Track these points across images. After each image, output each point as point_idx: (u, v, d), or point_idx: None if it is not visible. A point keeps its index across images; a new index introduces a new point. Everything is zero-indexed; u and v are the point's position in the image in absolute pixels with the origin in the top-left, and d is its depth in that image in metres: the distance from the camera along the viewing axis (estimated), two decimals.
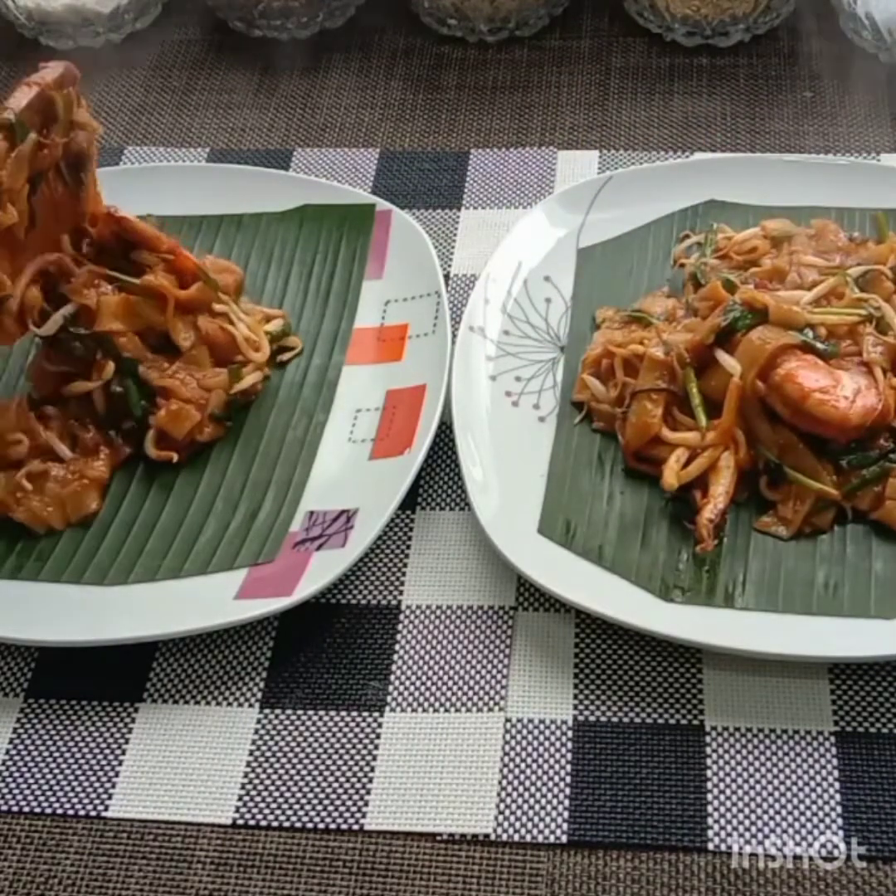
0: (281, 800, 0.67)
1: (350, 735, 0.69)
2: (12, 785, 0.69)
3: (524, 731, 0.68)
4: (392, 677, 0.71)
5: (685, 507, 0.73)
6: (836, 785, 0.65)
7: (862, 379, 0.73)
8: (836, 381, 0.72)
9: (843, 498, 0.72)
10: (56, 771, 0.69)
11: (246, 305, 0.86)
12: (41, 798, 0.68)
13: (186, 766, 0.68)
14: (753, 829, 0.64)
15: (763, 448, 0.73)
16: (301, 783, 0.67)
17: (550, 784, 0.66)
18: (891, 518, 0.72)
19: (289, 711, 0.70)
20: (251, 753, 0.69)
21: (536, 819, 0.65)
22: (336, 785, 0.67)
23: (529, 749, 0.68)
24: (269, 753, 0.69)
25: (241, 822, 0.67)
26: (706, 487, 0.72)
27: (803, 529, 0.72)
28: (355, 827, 0.66)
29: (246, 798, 0.67)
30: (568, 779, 0.66)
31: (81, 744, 0.70)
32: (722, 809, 0.65)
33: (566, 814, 0.65)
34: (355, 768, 0.68)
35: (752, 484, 0.74)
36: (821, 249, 0.82)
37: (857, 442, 0.73)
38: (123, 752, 0.69)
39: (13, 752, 0.70)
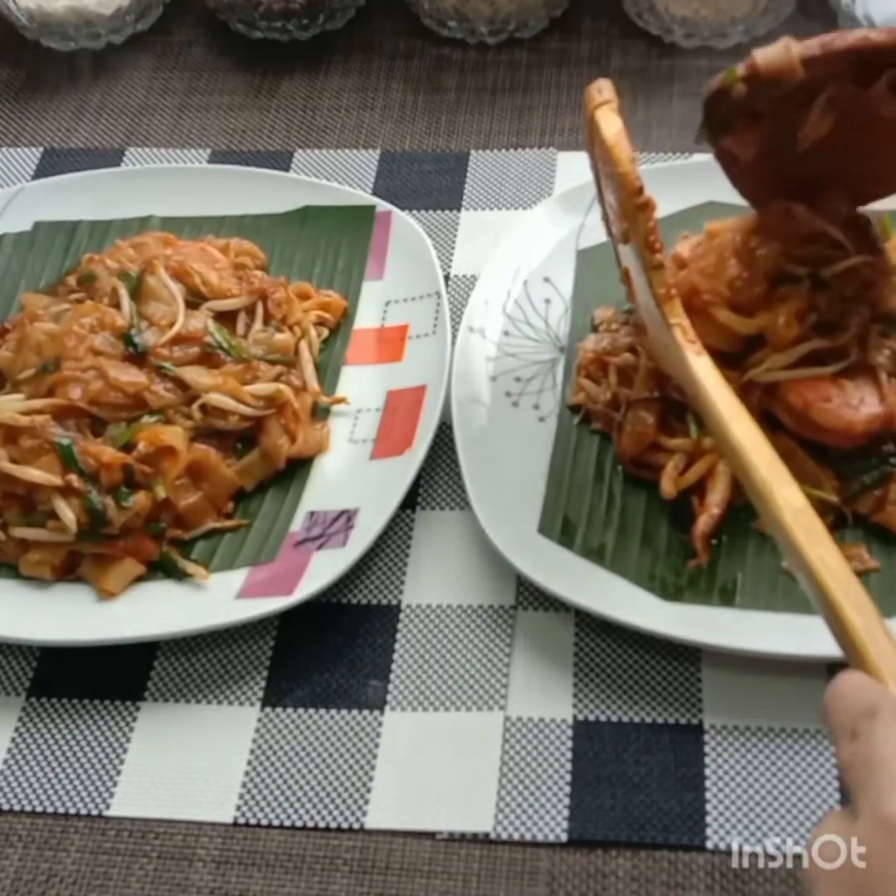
0: (282, 798, 0.67)
1: (350, 734, 0.69)
2: (14, 784, 0.69)
3: (524, 730, 0.68)
4: (392, 677, 0.71)
5: (685, 507, 0.73)
6: (836, 784, 0.65)
7: (866, 386, 0.73)
8: (839, 390, 0.72)
9: (844, 503, 0.72)
10: (57, 770, 0.69)
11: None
12: (43, 797, 0.68)
13: (187, 765, 0.69)
14: (753, 828, 0.64)
15: None
16: (302, 782, 0.68)
17: (550, 783, 0.66)
18: (892, 522, 0.72)
19: (289, 710, 0.70)
20: (252, 752, 0.69)
21: (536, 818, 0.65)
22: (336, 784, 0.67)
23: (529, 748, 0.68)
24: (269, 752, 0.69)
25: (242, 820, 0.67)
26: (704, 493, 0.73)
27: None
28: (356, 826, 0.66)
29: (247, 797, 0.67)
30: (568, 777, 0.67)
31: (83, 743, 0.70)
32: (721, 808, 0.65)
33: (566, 812, 0.65)
34: (356, 767, 0.68)
35: None
36: None
37: (858, 448, 0.72)
38: (125, 751, 0.69)
39: (15, 751, 0.70)
